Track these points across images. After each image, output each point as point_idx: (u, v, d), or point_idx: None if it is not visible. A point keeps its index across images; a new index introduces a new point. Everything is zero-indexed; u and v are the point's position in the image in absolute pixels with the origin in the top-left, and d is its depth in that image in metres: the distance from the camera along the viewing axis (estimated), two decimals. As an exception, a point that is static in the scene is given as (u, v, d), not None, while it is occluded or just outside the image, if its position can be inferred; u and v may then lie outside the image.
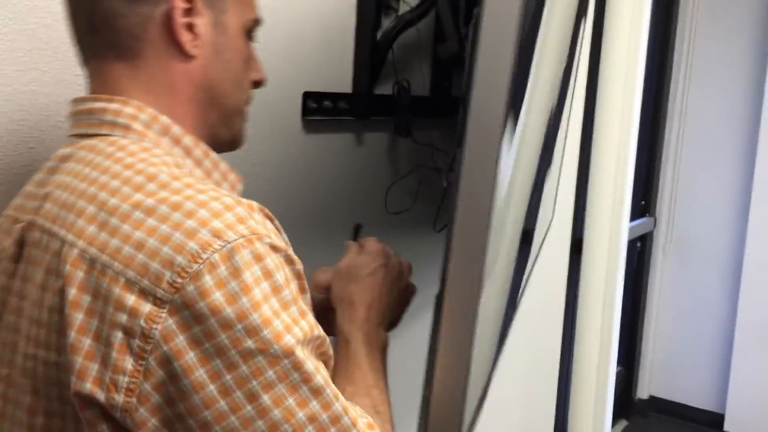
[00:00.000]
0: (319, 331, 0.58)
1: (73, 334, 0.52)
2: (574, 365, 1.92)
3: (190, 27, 0.63)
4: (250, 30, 0.70)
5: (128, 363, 0.51)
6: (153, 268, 0.51)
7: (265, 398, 0.52)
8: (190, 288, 0.51)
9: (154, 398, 0.51)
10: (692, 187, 3.07)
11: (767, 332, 2.97)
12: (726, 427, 3.16)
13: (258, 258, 0.54)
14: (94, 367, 0.52)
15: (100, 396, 0.51)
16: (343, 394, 0.57)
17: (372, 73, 1.34)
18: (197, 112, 0.66)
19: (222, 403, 0.51)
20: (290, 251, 0.58)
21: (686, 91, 3.01)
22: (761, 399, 3.04)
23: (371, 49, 1.33)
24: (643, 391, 3.27)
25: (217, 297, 0.51)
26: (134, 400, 0.51)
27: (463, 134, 0.60)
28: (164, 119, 0.63)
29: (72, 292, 0.53)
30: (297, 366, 0.53)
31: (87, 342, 0.52)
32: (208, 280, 0.51)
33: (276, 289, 0.54)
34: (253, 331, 0.51)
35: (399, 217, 1.46)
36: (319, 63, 1.27)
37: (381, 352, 0.75)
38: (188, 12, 0.63)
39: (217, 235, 0.52)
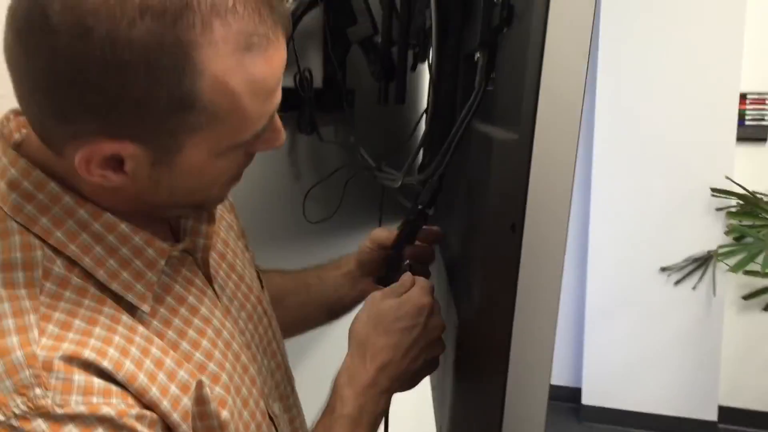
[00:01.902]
0: None
1: None
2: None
3: (105, 176, 0.53)
4: (241, 145, 0.56)
5: None
6: None
7: None
8: None
9: None
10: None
11: (612, 311, 3.18)
12: (584, 400, 3.35)
13: None
14: None
15: None
16: None
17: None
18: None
19: None
20: (113, 403, 0.51)
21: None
22: (612, 371, 3.25)
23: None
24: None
25: None
26: None
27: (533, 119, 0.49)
28: (52, 188, 0.55)
29: None
30: None
31: None
32: None
33: None
34: None
35: (320, 227, 1.31)
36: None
37: (371, 426, 0.70)
38: (108, 162, 0.52)
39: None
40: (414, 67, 1.30)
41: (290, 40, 1.18)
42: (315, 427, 0.70)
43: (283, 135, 0.61)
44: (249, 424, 0.67)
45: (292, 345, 0.90)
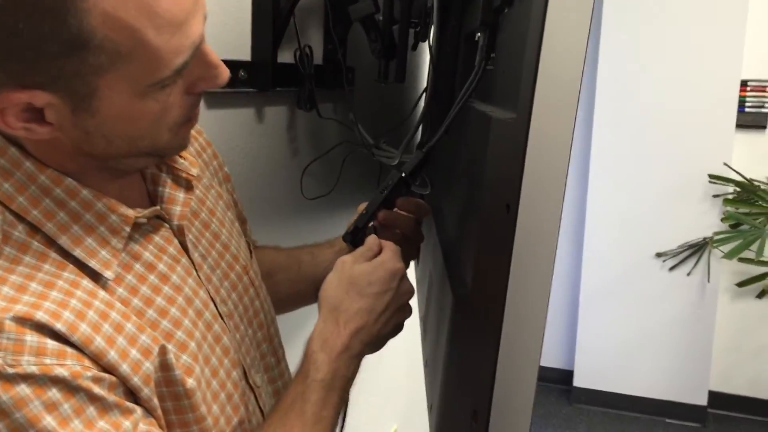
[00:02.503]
0: None
1: None
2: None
3: (30, 129, 0.52)
4: (166, 84, 0.54)
5: None
6: None
7: None
8: None
9: None
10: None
11: (607, 295, 3.19)
12: (575, 382, 3.37)
13: None
14: None
15: None
16: None
17: (275, 38, 1.16)
18: (84, 164, 0.59)
19: None
20: (73, 367, 0.52)
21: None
22: (605, 354, 3.27)
23: (273, 11, 1.15)
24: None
25: None
26: None
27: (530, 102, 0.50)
28: (12, 153, 0.56)
29: None
30: None
31: None
32: None
33: None
34: None
35: (318, 203, 1.31)
36: (215, 26, 1.08)
37: (343, 390, 0.70)
38: (27, 114, 0.51)
39: None
40: (415, 46, 1.29)
41: (291, 16, 1.18)
42: (287, 392, 0.70)
43: (223, 71, 0.58)
44: (218, 393, 0.67)
45: (285, 320, 0.91)
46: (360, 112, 1.36)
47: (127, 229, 0.61)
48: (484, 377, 0.58)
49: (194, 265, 0.69)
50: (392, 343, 0.78)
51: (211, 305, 0.70)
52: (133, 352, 0.57)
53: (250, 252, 0.84)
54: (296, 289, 0.97)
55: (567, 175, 0.51)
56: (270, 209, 1.26)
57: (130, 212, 0.61)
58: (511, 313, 0.55)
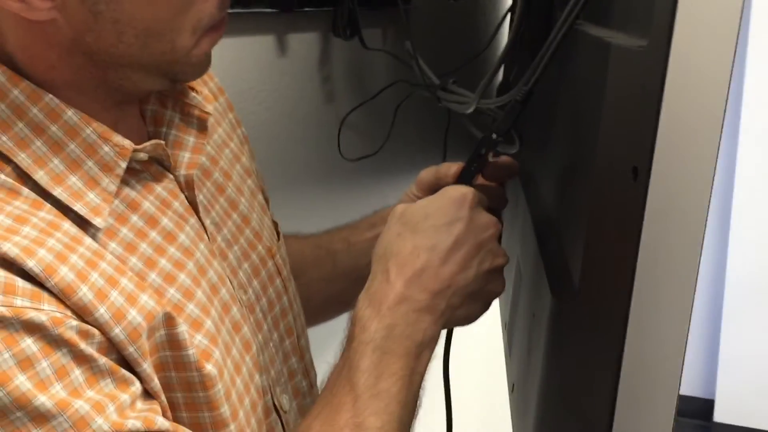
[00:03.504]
0: None
1: None
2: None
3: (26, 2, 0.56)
4: None
5: None
6: None
7: None
8: None
9: None
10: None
11: (757, 305, 3.14)
12: (716, 416, 3.34)
13: None
14: None
15: None
16: None
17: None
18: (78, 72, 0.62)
19: None
20: (62, 318, 0.53)
21: None
22: (755, 381, 3.22)
23: None
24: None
25: None
26: None
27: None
28: None
29: None
30: None
31: None
32: None
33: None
34: None
35: (361, 166, 1.31)
36: None
37: (409, 356, 0.68)
38: None
39: None
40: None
41: None
42: (331, 372, 0.70)
43: None
44: (243, 396, 0.67)
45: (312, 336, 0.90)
46: (420, 40, 1.35)
47: (123, 164, 0.62)
48: (599, 411, 0.57)
49: (206, 233, 0.71)
50: (459, 361, 0.77)
51: (228, 283, 0.71)
52: (132, 314, 0.57)
53: (278, 234, 0.84)
54: (333, 291, 0.97)
55: (722, 125, 0.50)
56: (295, 176, 1.27)
57: (127, 142, 0.63)
58: (637, 326, 0.55)
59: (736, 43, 0.49)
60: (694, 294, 0.53)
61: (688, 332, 0.54)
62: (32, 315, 0.51)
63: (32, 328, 0.51)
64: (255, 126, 1.15)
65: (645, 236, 0.53)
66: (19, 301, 0.51)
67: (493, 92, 1.21)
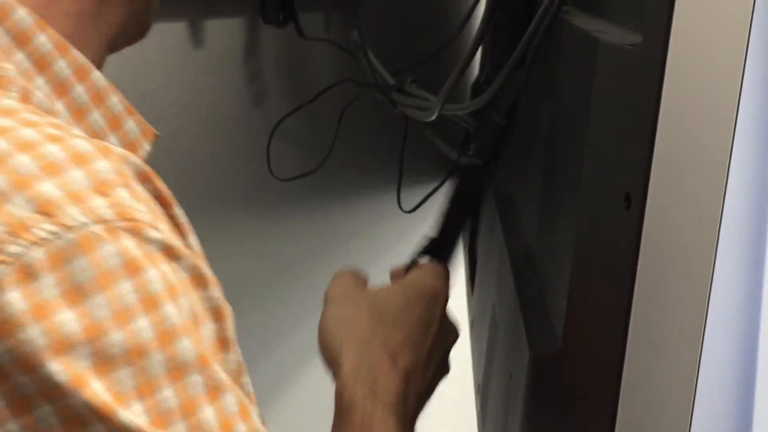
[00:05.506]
0: None
1: None
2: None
3: None
4: None
5: None
6: None
7: None
8: None
9: None
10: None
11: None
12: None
13: (130, 266, 0.50)
14: None
15: None
16: None
17: None
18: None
19: None
20: (201, 263, 0.56)
21: None
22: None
23: None
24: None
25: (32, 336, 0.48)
26: None
27: None
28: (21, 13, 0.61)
29: None
30: None
31: None
32: (12, 300, 0.47)
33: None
34: None
35: (296, 188, 1.32)
36: None
37: None
38: None
39: (44, 211, 0.49)
40: None
41: None
42: None
43: None
44: None
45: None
46: (371, 28, 1.36)
47: (147, 148, 0.70)
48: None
49: None
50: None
51: None
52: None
53: None
54: None
55: (733, 141, 0.51)
56: (212, 200, 1.27)
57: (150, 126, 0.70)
58: (633, 384, 0.56)
59: (748, 40, 0.50)
60: (701, 350, 0.54)
61: (694, 398, 0.55)
62: (200, 263, 0.56)
63: (172, 254, 0.54)
64: (162, 136, 1.15)
65: (641, 277, 0.54)
66: (180, 243, 0.56)
67: (467, 94, 1.23)
